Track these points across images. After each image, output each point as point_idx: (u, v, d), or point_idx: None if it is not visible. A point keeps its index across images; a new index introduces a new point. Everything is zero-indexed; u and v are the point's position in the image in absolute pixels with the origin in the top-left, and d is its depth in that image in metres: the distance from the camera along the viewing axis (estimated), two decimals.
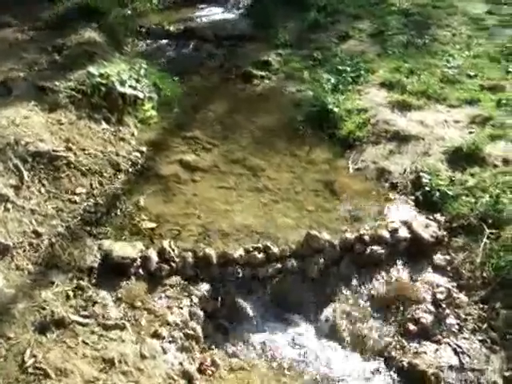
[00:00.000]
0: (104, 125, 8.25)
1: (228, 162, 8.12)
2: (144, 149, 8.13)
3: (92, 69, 8.59)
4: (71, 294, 5.70)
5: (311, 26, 12.35)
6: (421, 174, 7.66)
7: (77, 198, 6.88)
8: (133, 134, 8.42)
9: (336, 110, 8.96)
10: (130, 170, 7.67)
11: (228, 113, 9.52)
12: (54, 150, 7.08)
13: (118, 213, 6.89)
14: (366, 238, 6.69)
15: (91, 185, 7.15)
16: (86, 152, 7.53)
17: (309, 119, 9.19)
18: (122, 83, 8.52)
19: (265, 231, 6.80)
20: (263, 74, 10.83)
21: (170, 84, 9.87)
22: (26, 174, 6.72)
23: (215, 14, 14.14)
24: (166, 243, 6.35)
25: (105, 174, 7.38)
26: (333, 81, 9.80)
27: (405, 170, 7.90)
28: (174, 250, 6.29)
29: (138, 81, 8.96)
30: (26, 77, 8.54)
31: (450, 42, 11.62)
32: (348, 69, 10.13)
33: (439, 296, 6.19)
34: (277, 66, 11.07)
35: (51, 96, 8.10)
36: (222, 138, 8.73)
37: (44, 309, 5.41)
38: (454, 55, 10.90)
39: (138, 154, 7.97)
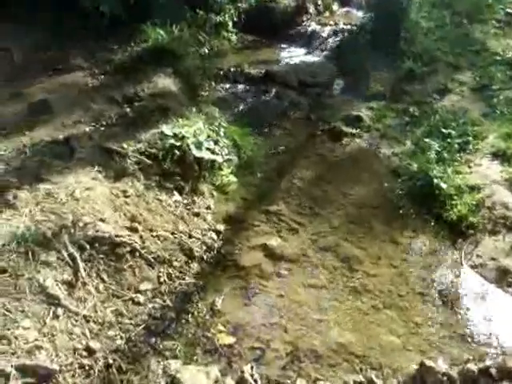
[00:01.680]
0: (176, 196, 6.95)
1: (318, 250, 6.72)
2: (221, 227, 6.81)
3: (165, 128, 7.30)
4: None
5: (406, 75, 10.78)
6: None
7: (141, 298, 5.53)
8: (209, 207, 7.07)
9: (443, 186, 7.43)
10: (205, 257, 6.33)
11: (316, 180, 8.12)
12: (116, 236, 5.73)
13: (190, 319, 5.54)
14: (493, 371, 5.09)
15: (158, 278, 5.82)
16: (154, 234, 6.21)
17: (410, 194, 7.74)
18: (199, 146, 7.19)
19: (366, 354, 5.38)
20: (354, 131, 9.43)
21: (251, 142, 8.46)
22: (82, 266, 5.43)
23: (298, 55, 12.77)
24: (247, 370, 4.97)
25: (175, 264, 6.05)
26: (437, 147, 8.26)
27: None
28: (256, 382, 4.82)
29: (216, 142, 7.64)
30: (92, 134, 7.35)
31: None
32: (453, 133, 8.58)
33: None
34: (368, 121, 9.61)
35: (118, 161, 6.88)
36: (309, 214, 7.34)
37: None
38: None
39: (214, 236, 6.63)
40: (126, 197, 6.53)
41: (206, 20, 12.04)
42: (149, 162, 6.95)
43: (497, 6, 13.18)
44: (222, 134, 7.93)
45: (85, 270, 5.45)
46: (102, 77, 9.23)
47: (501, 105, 9.63)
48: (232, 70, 11.47)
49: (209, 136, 7.69)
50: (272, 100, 10.67)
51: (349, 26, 13.43)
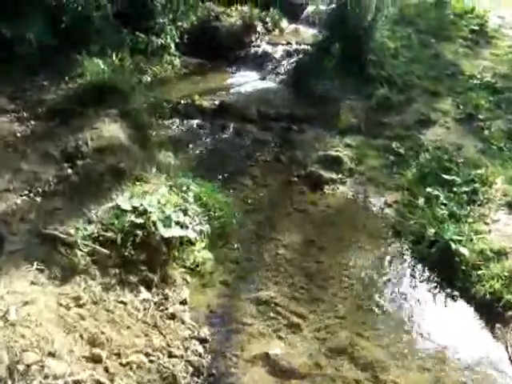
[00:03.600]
0: (143, 292, 5.21)
1: (330, 354, 5.13)
2: (206, 332, 5.12)
3: (122, 201, 5.52)
4: None
5: (380, 104, 9.24)
6: None
7: None
8: (184, 302, 5.36)
9: (465, 252, 6.01)
10: None
11: (305, 247, 6.52)
12: (75, 382, 3.83)
13: None
14: None
15: None
16: (124, 361, 4.45)
17: (423, 262, 6.33)
18: (167, 223, 5.48)
19: None
20: (334, 176, 7.82)
21: (220, 200, 6.66)
22: None
23: (250, 81, 11.10)
24: None
25: None
26: (442, 198, 6.71)
27: None
28: None
29: (185, 211, 5.80)
30: (26, 212, 5.41)
31: None
32: (457, 179, 7.02)
33: None
34: (349, 163, 8.07)
35: (64, 253, 5.03)
36: (308, 299, 5.74)
37: None
38: None
39: (200, 347, 4.93)
40: (80, 306, 4.72)
41: (147, 44, 10.16)
42: (105, 251, 5.12)
43: (460, 23, 11.85)
44: (191, 199, 6.10)
45: None
46: (33, 123, 7.43)
47: (495, 139, 8.29)
48: (182, 102, 9.65)
49: (176, 205, 5.86)
50: (232, 138, 8.97)
51: (303, 46, 11.85)
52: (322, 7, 13.12)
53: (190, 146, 8.62)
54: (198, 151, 8.51)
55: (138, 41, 10.32)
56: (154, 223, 5.44)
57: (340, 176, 7.91)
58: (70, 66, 8.55)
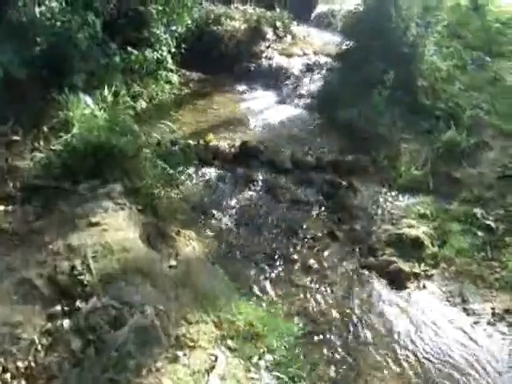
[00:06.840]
0: None
1: None
2: None
3: None
4: None
5: (447, 150, 6.84)
6: None
7: None
8: None
9: None
10: None
11: None
12: None
13: None
14: None
15: None
16: None
17: None
18: None
19: None
20: (417, 269, 5.38)
21: (284, 331, 4.27)
22: None
23: (268, 106, 8.60)
24: None
25: None
26: None
27: None
28: None
29: None
30: None
31: None
32: None
33: None
34: (430, 245, 5.55)
35: None
36: None
37: None
38: None
39: None
40: None
41: (141, 61, 7.49)
42: None
43: (507, 34, 9.45)
44: (263, 371, 3.65)
45: None
46: (2, 209, 4.68)
47: None
48: (191, 142, 6.99)
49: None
50: (262, 198, 6.58)
51: (324, 59, 9.23)
52: (336, 7, 10.55)
53: (211, 213, 6.08)
54: (221, 223, 6.01)
55: (130, 59, 7.60)
56: None
57: (423, 267, 5.50)
58: (50, 109, 5.85)
